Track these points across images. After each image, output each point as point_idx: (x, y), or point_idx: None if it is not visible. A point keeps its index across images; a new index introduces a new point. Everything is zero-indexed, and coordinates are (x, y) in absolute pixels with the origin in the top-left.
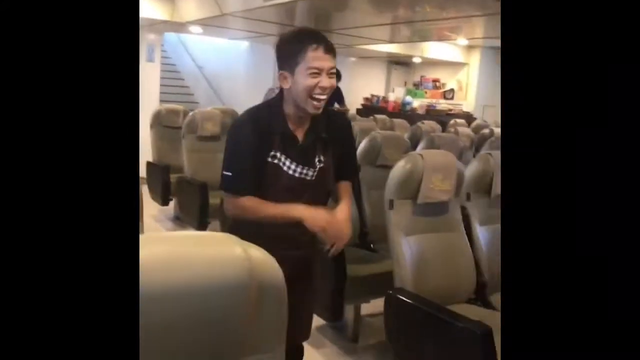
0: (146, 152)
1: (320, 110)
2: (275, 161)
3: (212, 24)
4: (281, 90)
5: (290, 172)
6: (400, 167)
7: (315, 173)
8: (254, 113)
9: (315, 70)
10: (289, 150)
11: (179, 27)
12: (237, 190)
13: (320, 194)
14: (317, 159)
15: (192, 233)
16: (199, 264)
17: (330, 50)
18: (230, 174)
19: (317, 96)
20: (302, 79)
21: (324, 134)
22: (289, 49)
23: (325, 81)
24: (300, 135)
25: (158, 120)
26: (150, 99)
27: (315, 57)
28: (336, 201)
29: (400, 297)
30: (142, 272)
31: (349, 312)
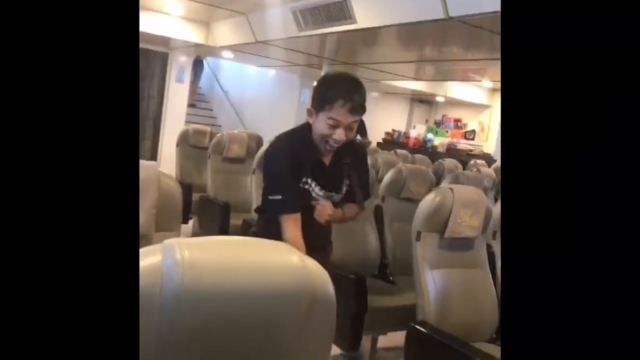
0: (171, 171)
1: (332, 153)
2: (306, 187)
3: (244, 50)
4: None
5: (318, 197)
6: (429, 200)
7: (341, 197)
8: (289, 140)
9: (334, 122)
10: (317, 176)
11: (211, 51)
12: (289, 210)
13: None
14: (343, 185)
15: (251, 239)
16: (257, 269)
17: (356, 110)
18: (280, 197)
19: (331, 144)
20: (320, 125)
21: (348, 160)
22: (322, 93)
23: (340, 134)
24: (327, 161)
25: (185, 139)
26: (177, 119)
27: (338, 112)
28: None
29: (423, 329)
30: (206, 271)
31: (365, 343)
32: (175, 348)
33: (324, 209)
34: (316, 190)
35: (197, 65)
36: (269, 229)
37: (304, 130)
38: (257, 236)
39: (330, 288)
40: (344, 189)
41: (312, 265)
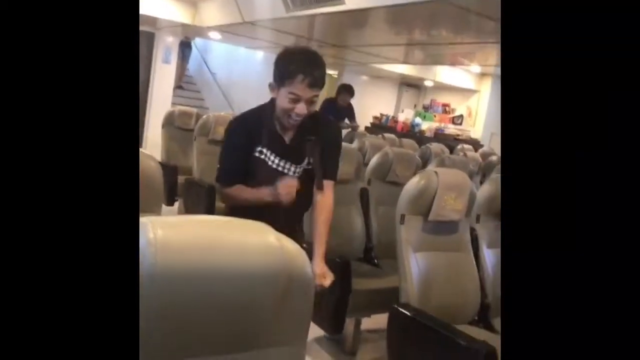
0: (157, 153)
1: (296, 126)
2: (262, 156)
3: (232, 31)
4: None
5: (274, 165)
6: (414, 183)
7: (299, 171)
8: (246, 114)
9: (295, 97)
10: (275, 148)
11: (198, 31)
12: (224, 181)
13: (304, 194)
14: (305, 161)
15: (229, 218)
16: (233, 249)
17: (316, 84)
18: (220, 167)
19: (294, 117)
20: (282, 100)
21: (312, 137)
22: (282, 68)
23: (301, 108)
24: (288, 136)
25: (170, 121)
26: (163, 101)
27: (298, 87)
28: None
29: (405, 311)
30: (180, 251)
31: (348, 325)
32: (148, 328)
33: (286, 186)
34: (272, 158)
35: (185, 47)
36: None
37: (266, 106)
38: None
39: (307, 268)
40: (304, 164)
41: (289, 245)
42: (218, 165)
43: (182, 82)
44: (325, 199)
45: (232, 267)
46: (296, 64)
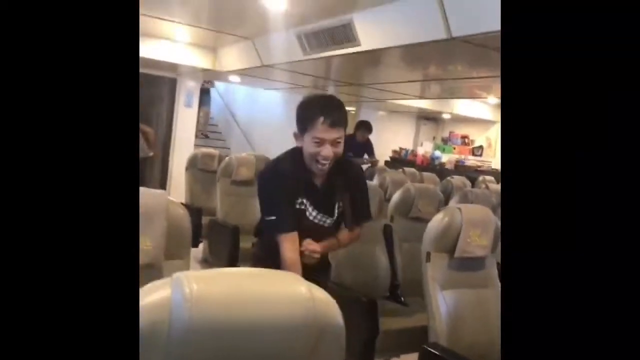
0: (181, 195)
1: (325, 171)
2: (303, 207)
3: (251, 74)
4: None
5: (311, 217)
6: (438, 220)
7: (334, 220)
8: (282, 161)
9: (319, 140)
10: (310, 196)
11: (218, 75)
12: (284, 230)
13: (333, 234)
14: (336, 206)
15: (260, 270)
16: (264, 301)
17: (337, 124)
18: (274, 217)
19: (321, 162)
20: (307, 146)
21: (339, 179)
22: (303, 115)
23: (327, 151)
24: (319, 182)
25: (193, 163)
26: (186, 143)
27: (320, 130)
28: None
29: (435, 352)
30: (214, 305)
31: None
32: None
33: (309, 247)
34: (310, 210)
35: (203, 94)
36: (268, 250)
37: (295, 152)
38: (257, 256)
39: (338, 317)
40: (337, 211)
41: (320, 295)
42: (267, 217)
43: (207, 131)
44: (354, 234)
45: (264, 320)
46: (315, 108)
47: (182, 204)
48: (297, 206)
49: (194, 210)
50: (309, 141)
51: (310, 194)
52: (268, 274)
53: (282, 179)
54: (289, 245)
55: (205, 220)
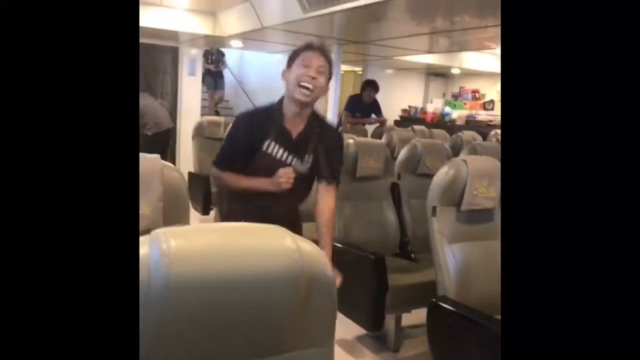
0: (189, 163)
1: (308, 100)
2: (270, 149)
3: (253, 37)
4: (283, 96)
5: (282, 158)
6: (443, 173)
7: (306, 167)
8: (255, 110)
9: (306, 62)
10: (283, 142)
11: (220, 41)
12: (222, 165)
13: (302, 187)
14: (307, 156)
15: (243, 224)
16: (249, 255)
17: (323, 53)
18: (220, 152)
19: (304, 84)
20: (294, 71)
21: (315, 135)
22: (295, 51)
23: (313, 71)
24: (294, 133)
25: (200, 131)
26: (192, 112)
27: (308, 54)
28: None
29: (444, 305)
30: (194, 260)
31: (389, 322)
32: (166, 341)
33: (285, 172)
34: (280, 152)
35: (219, 78)
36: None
37: (275, 104)
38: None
39: (327, 269)
40: (308, 159)
41: (307, 247)
42: (219, 152)
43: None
44: (325, 200)
45: (250, 273)
46: (303, 45)
47: (190, 172)
48: (264, 148)
49: (203, 179)
50: (297, 66)
51: (283, 141)
52: (251, 227)
53: (247, 123)
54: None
55: (214, 187)
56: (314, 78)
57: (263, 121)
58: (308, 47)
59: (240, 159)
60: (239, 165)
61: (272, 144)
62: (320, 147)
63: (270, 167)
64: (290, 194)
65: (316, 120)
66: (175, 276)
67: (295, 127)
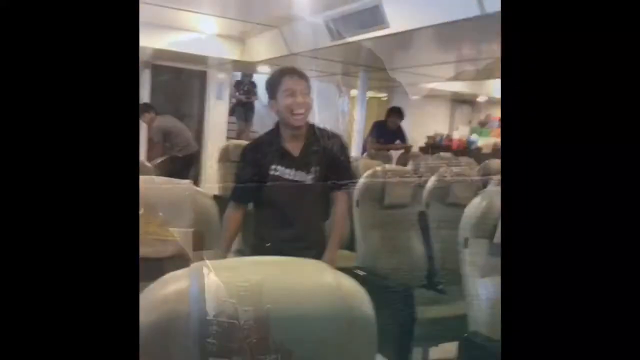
0: (214, 186)
1: (303, 122)
2: (277, 173)
3: (280, 63)
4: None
5: (289, 177)
6: (475, 204)
7: (314, 178)
8: (257, 140)
9: (290, 92)
10: (287, 164)
11: (247, 66)
12: (237, 199)
13: (317, 201)
14: (313, 169)
15: (285, 258)
16: (289, 293)
17: (302, 77)
18: (234, 188)
19: (296, 111)
20: (281, 102)
21: (316, 147)
22: (270, 83)
23: (300, 97)
24: (296, 151)
25: (226, 155)
26: (218, 135)
27: (288, 83)
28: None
29: (476, 341)
30: (235, 295)
31: (416, 356)
32: None
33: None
34: (286, 172)
35: (249, 111)
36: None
37: (272, 130)
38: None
39: (367, 306)
40: (314, 170)
41: (348, 284)
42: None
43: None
44: (336, 209)
45: (290, 312)
46: (276, 73)
47: (215, 195)
48: (272, 172)
49: (226, 202)
50: (282, 97)
51: (287, 162)
52: (292, 262)
53: (254, 154)
54: (230, 214)
55: None
56: (303, 102)
57: (265, 148)
58: (282, 73)
59: (253, 189)
60: (252, 196)
61: (278, 167)
62: (325, 156)
63: (284, 189)
64: (307, 213)
65: (314, 133)
66: (216, 311)
67: (296, 146)
